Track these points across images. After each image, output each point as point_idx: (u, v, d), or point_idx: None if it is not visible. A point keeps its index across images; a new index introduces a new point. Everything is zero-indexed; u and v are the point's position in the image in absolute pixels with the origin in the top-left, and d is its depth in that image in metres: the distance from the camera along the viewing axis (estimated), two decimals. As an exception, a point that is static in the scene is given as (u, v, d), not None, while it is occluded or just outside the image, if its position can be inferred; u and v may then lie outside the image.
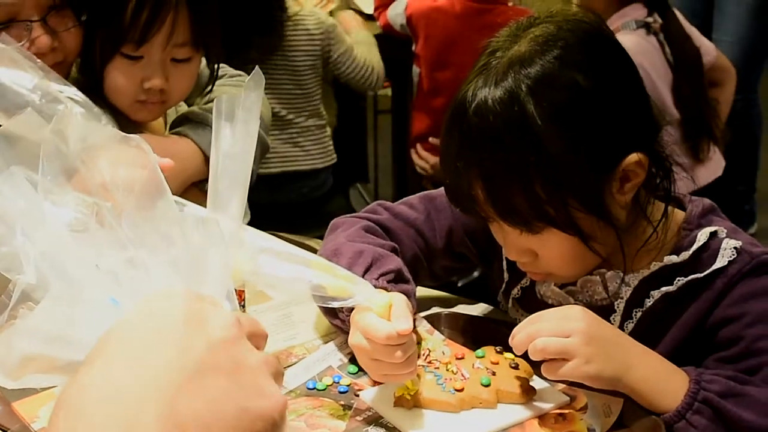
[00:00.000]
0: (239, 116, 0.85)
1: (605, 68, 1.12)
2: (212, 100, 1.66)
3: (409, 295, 1.22)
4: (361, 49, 2.96)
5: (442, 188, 1.27)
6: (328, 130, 2.86)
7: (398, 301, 1.11)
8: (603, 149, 1.11)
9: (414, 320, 1.26)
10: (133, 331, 0.63)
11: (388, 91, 3.80)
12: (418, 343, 1.24)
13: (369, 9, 3.25)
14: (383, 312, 1.08)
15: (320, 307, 1.24)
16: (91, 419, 0.57)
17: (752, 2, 3.30)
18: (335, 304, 1.05)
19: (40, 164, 0.75)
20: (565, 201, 1.10)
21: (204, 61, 1.62)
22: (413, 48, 3.07)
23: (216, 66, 1.63)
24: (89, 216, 0.76)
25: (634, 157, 1.12)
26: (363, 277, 1.17)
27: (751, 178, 3.60)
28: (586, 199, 1.11)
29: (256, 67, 0.93)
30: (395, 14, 3.08)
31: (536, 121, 1.07)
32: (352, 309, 1.14)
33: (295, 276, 1.00)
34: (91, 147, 0.78)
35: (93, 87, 1.48)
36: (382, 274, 1.21)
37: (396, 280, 1.23)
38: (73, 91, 0.94)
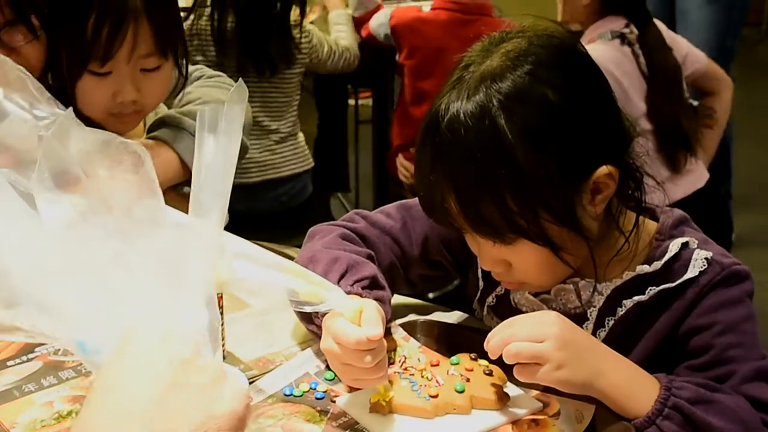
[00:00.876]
0: (222, 128, 0.86)
1: (576, 83, 1.14)
2: (189, 102, 1.66)
3: (385, 301, 1.24)
4: (339, 32, 3.05)
5: (419, 197, 1.29)
6: (302, 135, 2.90)
7: (369, 306, 1.13)
8: (574, 162, 1.13)
9: (389, 327, 1.29)
10: (113, 372, 0.73)
11: (369, 101, 3.82)
12: (394, 350, 1.25)
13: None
14: (354, 317, 1.10)
15: (297, 312, 1.26)
16: None
17: (713, 8, 3.35)
18: (307, 309, 1.06)
19: (37, 166, 0.77)
20: (536, 213, 1.12)
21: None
22: (396, 58, 3.09)
23: (186, 68, 1.62)
24: (79, 216, 0.78)
25: (604, 169, 1.14)
26: (338, 283, 1.19)
27: (726, 183, 3.63)
28: (557, 211, 1.13)
29: (240, 79, 0.94)
30: (378, 24, 3.09)
31: (507, 135, 1.09)
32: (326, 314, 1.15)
33: (267, 280, 1.02)
34: (86, 151, 0.80)
35: (66, 103, 1.48)
36: (357, 281, 1.22)
37: (371, 286, 1.24)
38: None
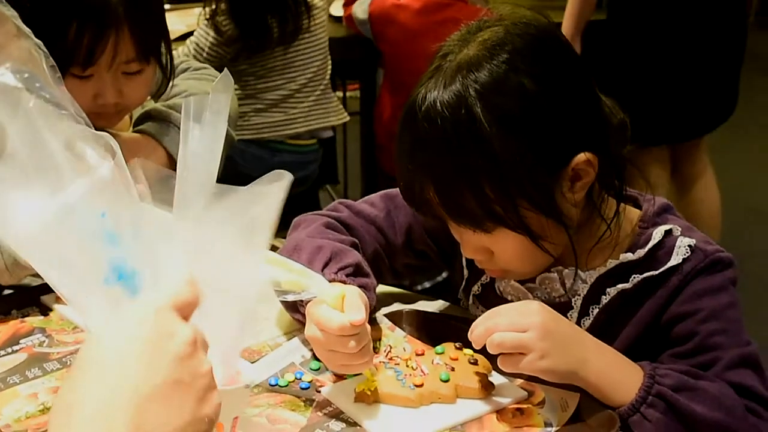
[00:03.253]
0: (207, 118, 0.86)
1: (553, 71, 1.13)
2: (175, 95, 1.65)
3: (369, 288, 1.24)
4: None
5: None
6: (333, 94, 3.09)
7: (351, 292, 1.13)
8: (551, 150, 1.12)
9: (375, 317, 1.29)
10: (106, 350, 0.71)
11: (357, 93, 3.82)
12: (379, 339, 1.26)
13: (339, 12, 3.27)
14: (336, 303, 1.10)
15: (282, 302, 1.26)
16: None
17: None
18: (290, 298, 1.07)
19: (9, 156, 0.77)
20: (513, 202, 1.12)
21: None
22: (377, 46, 3.10)
23: (170, 69, 1.61)
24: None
25: (582, 156, 1.13)
26: (322, 271, 1.19)
27: None
28: (535, 199, 1.13)
29: (225, 69, 0.94)
30: (359, 11, 3.10)
31: (484, 124, 1.09)
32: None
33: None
34: (59, 142, 0.80)
35: None
36: (341, 268, 1.23)
37: (355, 273, 1.24)
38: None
